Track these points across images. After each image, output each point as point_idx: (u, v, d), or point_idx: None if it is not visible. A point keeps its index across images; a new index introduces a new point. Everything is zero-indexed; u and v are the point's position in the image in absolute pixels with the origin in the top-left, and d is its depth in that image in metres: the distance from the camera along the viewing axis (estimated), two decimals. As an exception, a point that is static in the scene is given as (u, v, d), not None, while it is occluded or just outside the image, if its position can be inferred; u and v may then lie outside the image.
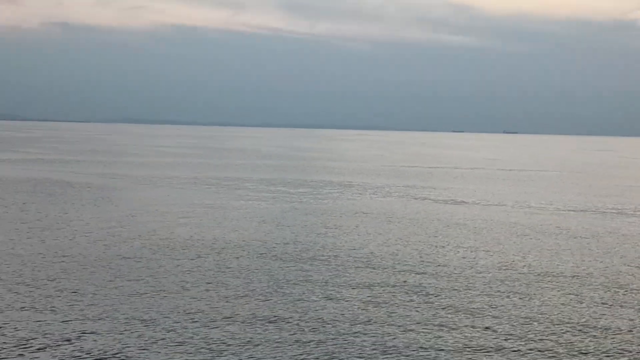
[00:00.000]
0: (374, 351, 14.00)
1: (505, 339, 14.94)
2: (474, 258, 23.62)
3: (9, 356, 13.20)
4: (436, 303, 17.60)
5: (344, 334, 14.97)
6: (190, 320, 15.58)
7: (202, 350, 13.80)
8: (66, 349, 13.62)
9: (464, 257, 23.66)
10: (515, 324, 16.06)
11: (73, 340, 14.09)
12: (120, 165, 67.38)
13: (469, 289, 19.13)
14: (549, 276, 21.12)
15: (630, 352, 14.50)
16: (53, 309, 16.20)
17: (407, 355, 13.85)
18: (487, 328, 15.65)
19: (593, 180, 62.75)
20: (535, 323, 16.17)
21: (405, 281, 19.82)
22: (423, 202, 40.18)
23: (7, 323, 15.07)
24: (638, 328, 16.05)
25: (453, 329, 15.55)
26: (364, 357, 13.68)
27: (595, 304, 18.01)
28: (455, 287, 19.29)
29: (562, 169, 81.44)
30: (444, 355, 13.91)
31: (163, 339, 14.36)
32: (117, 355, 13.40)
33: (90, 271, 20.07)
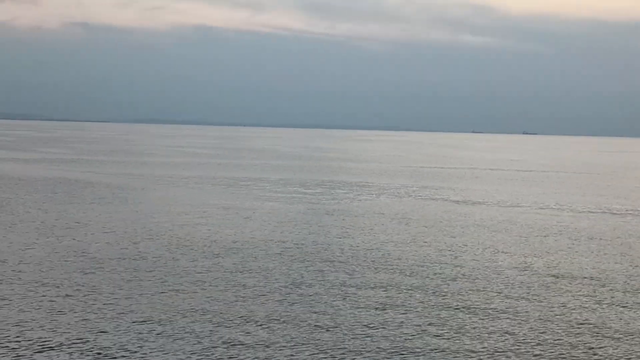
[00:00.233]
0: (391, 353, 13.96)
1: (523, 341, 14.88)
2: (492, 259, 23.53)
3: (28, 354, 13.28)
4: (453, 304, 17.55)
5: (360, 335, 14.95)
6: (207, 320, 15.62)
7: (219, 349, 13.82)
8: (83, 347, 13.68)
9: (482, 258, 23.57)
10: (533, 326, 15.98)
11: (90, 339, 14.15)
12: (138, 164, 67.63)
13: (487, 291, 19.06)
14: (567, 278, 21.01)
15: (649, 355, 14.39)
16: (72, 307, 16.28)
17: (424, 357, 13.81)
18: (504, 330, 15.58)
19: (613, 182, 62.34)
20: (553, 325, 16.09)
21: (422, 282, 19.77)
22: (442, 203, 40.07)
23: (26, 322, 15.17)
24: (657, 331, 15.93)
25: (470, 330, 15.50)
26: (380, 359, 13.66)
27: (615, 306, 17.90)
28: (473, 289, 19.23)
29: (582, 170, 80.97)
30: (461, 358, 13.86)
31: (180, 338, 14.40)
32: (135, 354, 13.44)
33: (109, 270, 20.16)
